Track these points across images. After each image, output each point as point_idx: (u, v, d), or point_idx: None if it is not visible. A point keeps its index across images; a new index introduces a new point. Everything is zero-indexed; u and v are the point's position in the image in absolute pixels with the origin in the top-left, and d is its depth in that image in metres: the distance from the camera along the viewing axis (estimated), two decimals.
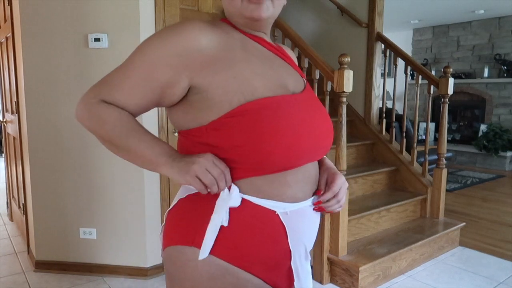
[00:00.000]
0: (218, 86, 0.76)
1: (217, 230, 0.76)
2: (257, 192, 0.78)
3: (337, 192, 0.88)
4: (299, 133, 0.76)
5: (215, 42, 0.78)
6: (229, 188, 0.77)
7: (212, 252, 0.76)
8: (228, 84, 0.76)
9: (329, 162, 0.93)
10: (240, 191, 0.78)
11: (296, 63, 0.98)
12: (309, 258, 0.88)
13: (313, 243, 0.90)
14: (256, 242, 0.78)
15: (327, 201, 0.88)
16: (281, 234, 0.80)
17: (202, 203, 0.79)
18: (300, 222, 0.82)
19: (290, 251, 0.81)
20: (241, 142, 0.74)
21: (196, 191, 0.79)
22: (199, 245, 0.77)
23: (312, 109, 0.83)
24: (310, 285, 0.89)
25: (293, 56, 1.00)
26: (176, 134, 2.52)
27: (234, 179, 0.78)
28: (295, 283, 0.84)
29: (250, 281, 0.78)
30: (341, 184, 0.89)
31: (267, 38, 0.90)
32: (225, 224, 0.76)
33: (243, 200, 0.77)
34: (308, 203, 0.84)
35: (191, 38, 0.76)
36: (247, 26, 0.85)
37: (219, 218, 0.76)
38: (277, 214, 0.78)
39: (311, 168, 0.84)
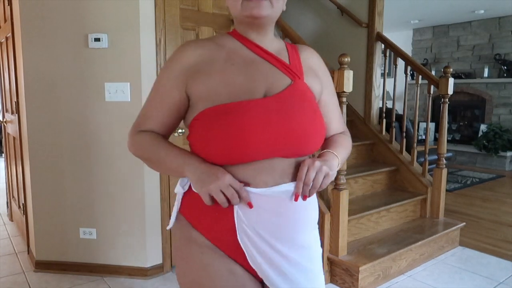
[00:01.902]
0: (194, 93, 0.93)
1: (179, 201, 1.00)
2: None
3: (303, 176, 0.91)
4: (251, 134, 0.86)
5: (201, 56, 0.94)
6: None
7: (180, 210, 1.00)
8: (200, 92, 0.92)
9: (325, 153, 0.98)
10: None
11: (309, 62, 1.03)
12: (284, 250, 0.94)
13: (288, 234, 0.95)
14: (205, 207, 0.92)
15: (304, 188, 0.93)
16: (227, 208, 0.91)
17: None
18: (255, 205, 0.91)
19: (234, 225, 0.92)
20: (199, 140, 0.91)
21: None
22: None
23: (286, 110, 0.90)
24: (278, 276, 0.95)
25: (308, 55, 1.04)
26: (175, 134, 2.52)
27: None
28: (249, 261, 0.94)
29: (200, 239, 0.96)
30: (307, 165, 0.91)
31: (265, 42, 0.98)
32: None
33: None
34: (267, 190, 0.91)
35: (183, 59, 0.95)
36: (248, 26, 0.95)
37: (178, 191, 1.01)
38: None
39: (278, 163, 0.91)
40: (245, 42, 0.97)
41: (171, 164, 0.95)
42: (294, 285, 0.96)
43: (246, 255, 0.93)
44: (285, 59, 0.99)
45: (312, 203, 1.01)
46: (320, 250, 1.06)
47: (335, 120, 1.10)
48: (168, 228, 1.04)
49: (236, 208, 0.91)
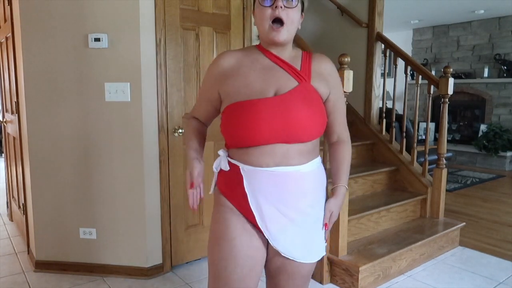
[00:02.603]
0: (223, 92, 1.23)
1: (216, 177, 1.34)
2: (232, 155, 1.26)
3: (327, 221, 1.31)
4: (257, 124, 1.14)
5: (231, 64, 1.24)
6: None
7: (216, 183, 1.33)
8: (227, 91, 1.21)
9: (336, 193, 1.32)
10: (227, 155, 1.29)
11: (319, 68, 1.26)
12: (286, 217, 1.21)
13: (288, 203, 1.21)
14: (229, 181, 1.27)
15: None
16: (241, 180, 1.22)
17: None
18: (257, 179, 1.20)
19: (246, 193, 1.22)
20: (224, 128, 1.22)
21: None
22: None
23: (287, 107, 1.15)
24: (287, 242, 1.23)
25: (319, 62, 1.27)
26: (175, 134, 2.52)
27: (226, 147, 1.29)
28: (257, 221, 1.22)
29: (226, 203, 1.28)
30: (329, 212, 1.31)
31: (283, 53, 1.24)
32: (216, 171, 1.33)
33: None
34: (269, 169, 1.18)
35: (218, 65, 1.26)
36: (270, 44, 1.22)
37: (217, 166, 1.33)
38: (239, 168, 1.23)
39: (278, 148, 1.17)
40: (266, 53, 1.24)
41: (187, 145, 1.35)
42: (291, 241, 1.23)
43: (255, 215, 1.21)
44: (298, 66, 1.23)
45: (312, 181, 1.25)
46: (320, 211, 1.30)
47: (338, 121, 1.33)
48: (210, 193, 1.38)
49: (244, 181, 1.21)
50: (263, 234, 1.24)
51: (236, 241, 1.22)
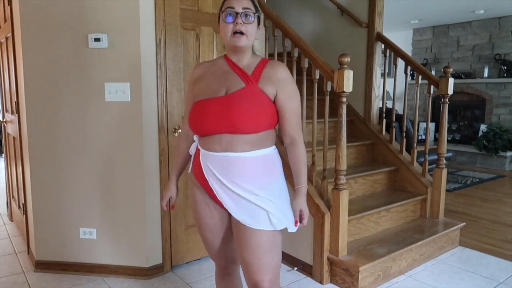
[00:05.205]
0: (194, 93, 1.55)
1: (192, 159, 1.63)
2: (198, 142, 1.56)
3: (301, 217, 1.52)
4: (206, 118, 1.43)
5: (201, 72, 1.57)
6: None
7: (192, 167, 1.62)
8: (195, 92, 1.54)
9: (300, 193, 1.53)
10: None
11: (270, 74, 1.48)
12: (232, 190, 1.45)
13: (233, 181, 1.45)
14: (197, 162, 1.55)
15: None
16: (199, 161, 1.53)
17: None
18: (209, 161, 1.48)
19: (203, 172, 1.52)
20: (189, 120, 1.53)
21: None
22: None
23: (231, 104, 1.40)
24: (236, 211, 1.47)
25: (272, 69, 1.49)
26: (176, 134, 2.52)
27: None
28: (214, 191, 1.49)
29: (197, 183, 1.58)
30: (298, 213, 1.52)
31: (241, 60, 1.49)
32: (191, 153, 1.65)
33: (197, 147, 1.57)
34: (217, 153, 1.45)
35: (194, 74, 1.60)
36: (232, 50, 1.49)
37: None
38: (200, 152, 1.52)
39: (224, 137, 1.43)
40: (227, 61, 1.52)
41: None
42: (240, 209, 1.46)
43: (212, 187, 1.49)
44: (250, 71, 1.47)
45: (256, 166, 1.46)
46: (270, 195, 1.47)
47: (287, 120, 1.51)
48: (188, 172, 1.65)
49: (201, 162, 1.50)
50: (222, 206, 1.52)
51: (202, 213, 1.59)
